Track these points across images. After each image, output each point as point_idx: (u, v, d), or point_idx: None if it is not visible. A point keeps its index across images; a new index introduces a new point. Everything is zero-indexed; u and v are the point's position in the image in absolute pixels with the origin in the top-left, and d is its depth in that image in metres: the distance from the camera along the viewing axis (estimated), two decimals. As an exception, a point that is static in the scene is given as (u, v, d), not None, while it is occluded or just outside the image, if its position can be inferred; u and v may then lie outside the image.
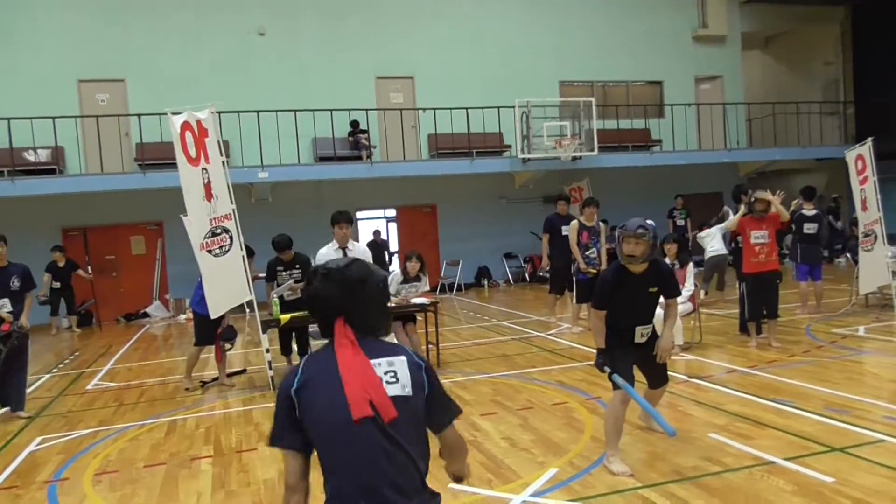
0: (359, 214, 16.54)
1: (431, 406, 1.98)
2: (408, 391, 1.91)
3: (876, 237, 9.04)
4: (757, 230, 7.69)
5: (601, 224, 9.80)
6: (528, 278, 17.05)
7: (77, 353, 10.76)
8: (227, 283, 6.68)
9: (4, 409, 6.65)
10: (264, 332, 7.15)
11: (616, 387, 4.46)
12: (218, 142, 6.60)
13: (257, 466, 4.85)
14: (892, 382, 6.13)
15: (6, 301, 6.43)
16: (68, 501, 4.47)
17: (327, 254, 6.48)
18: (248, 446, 5.33)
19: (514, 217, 17.27)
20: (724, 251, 10.97)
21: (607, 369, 4.45)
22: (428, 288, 8.31)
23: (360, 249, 6.43)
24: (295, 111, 14.25)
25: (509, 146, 16.39)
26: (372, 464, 1.84)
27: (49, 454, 5.52)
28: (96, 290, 13.83)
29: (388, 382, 1.89)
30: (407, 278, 7.95)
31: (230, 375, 7.84)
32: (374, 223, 17.26)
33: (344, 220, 6.61)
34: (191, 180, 6.62)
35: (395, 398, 1.88)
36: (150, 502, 4.36)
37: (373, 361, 1.91)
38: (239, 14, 15.57)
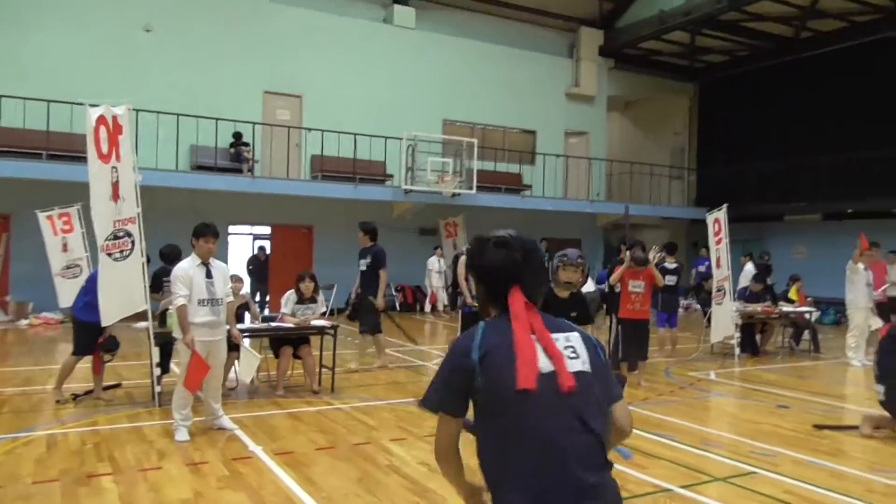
0: (231, 229, 16.00)
1: (606, 379, 1.96)
2: (587, 367, 1.90)
3: (725, 292, 10.18)
4: (635, 280, 8.42)
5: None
6: (398, 307, 17.24)
7: None
8: (124, 290, 6.29)
9: None
10: (156, 345, 6.79)
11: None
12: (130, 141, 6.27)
13: (167, 485, 4.63)
14: (748, 421, 6.93)
15: None
16: (-48, 520, 4.04)
17: (188, 269, 5.80)
18: (151, 465, 5.05)
19: (390, 246, 17.28)
20: (594, 290, 11.88)
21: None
22: (324, 309, 8.28)
23: (222, 268, 5.98)
24: (178, 115, 13.66)
25: (391, 175, 16.65)
26: (559, 438, 1.80)
27: None
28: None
29: (569, 358, 1.88)
30: (301, 299, 7.89)
31: (105, 389, 7.32)
32: (245, 239, 16.78)
33: (211, 234, 5.78)
34: (99, 177, 6.22)
35: (577, 374, 1.86)
36: (52, 521, 4.05)
37: (552, 336, 1.90)
38: (125, 5, 14.74)
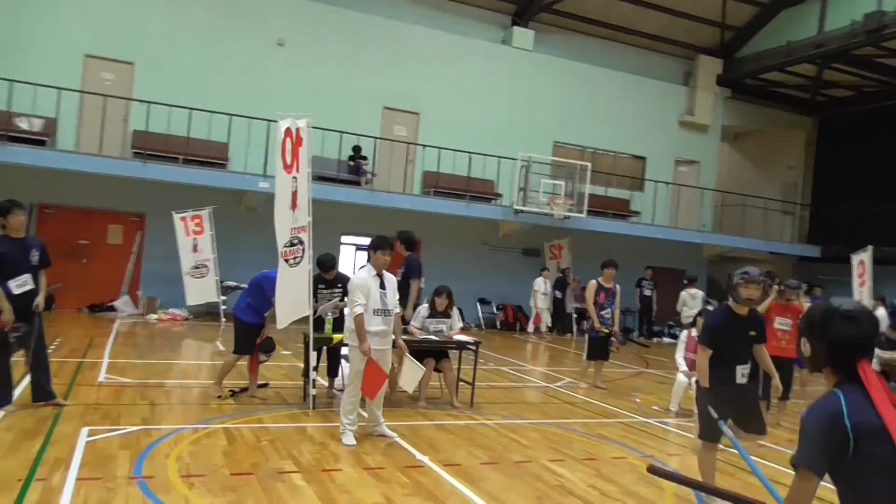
0: (343, 239, 16.44)
1: None
2: None
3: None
4: (782, 317, 8.20)
5: (617, 286, 10.12)
6: (498, 325, 17.29)
7: (58, 340, 10.16)
8: (295, 295, 6.58)
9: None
10: (315, 349, 7.04)
11: (704, 436, 4.83)
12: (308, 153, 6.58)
13: (356, 488, 4.79)
14: None
15: (28, 277, 6.10)
16: (172, 500, 4.29)
17: (366, 279, 6.05)
18: (330, 466, 5.24)
19: (493, 264, 17.60)
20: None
21: (715, 414, 4.76)
22: (461, 324, 8.39)
23: (393, 280, 6.20)
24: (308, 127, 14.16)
25: (501, 195, 16.78)
26: None
27: (109, 448, 5.26)
28: (63, 274, 13.15)
29: None
30: (433, 313, 8.00)
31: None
32: (351, 249, 17.19)
33: (389, 247, 6.10)
34: (283, 187, 6.55)
35: None
36: (263, 512, 4.25)
37: None
38: (260, 20, 15.51)
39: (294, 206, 6.56)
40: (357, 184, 15.41)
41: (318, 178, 15.39)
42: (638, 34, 18.76)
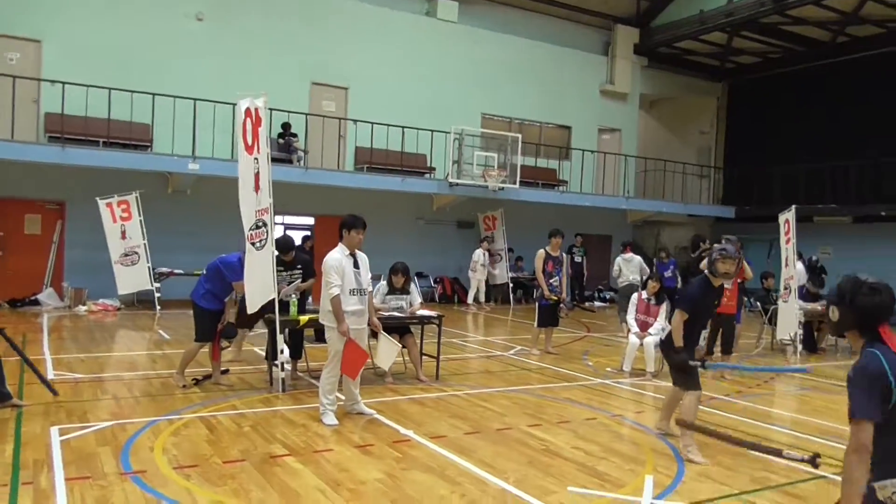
0: (276, 220, 16.07)
1: None
2: None
3: (791, 290, 10.47)
4: (722, 275, 8.68)
5: (563, 255, 10.42)
6: (437, 299, 17.44)
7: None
8: (263, 278, 6.46)
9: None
10: (281, 332, 6.95)
11: (691, 386, 5.37)
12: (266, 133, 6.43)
13: (353, 466, 4.83)
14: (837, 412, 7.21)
15: None
16: (174, 493, 4.21)
17: (340, 259, 6.04)
18: (321, 447, 5.25)
19: (428, 238, 17.69)
20: (635, 281, 12.32)
21: (694, 362, 5.41)
22: (421, 299, 8.46)
23: (365, 259, 6.24)
24: (233, 104, 13.70)
25: (434, 168, 16.83)
26: None
27: (87, 445, 5.08)
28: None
29: None
30: (392, 290, 8.07)
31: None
32: (279, 230, 16.87)
33: (361, 226, 6.02)
34: (245, 169, 6.38)
35: None
36: (269, 496, 4.23)
37: None
38: (178, -6, 14.80)
39: (257, 188, 6.41)
40: (289, 162, 15.09)
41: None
42: (558, 5, 19.04)
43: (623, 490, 4.56)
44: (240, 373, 7.88)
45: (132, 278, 13.17)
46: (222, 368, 7.69)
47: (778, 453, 3.80)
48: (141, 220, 13.14)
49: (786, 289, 10.48)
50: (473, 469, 4.85)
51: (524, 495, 4.38)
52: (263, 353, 8.38)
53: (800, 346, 10.72)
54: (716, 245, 5.61)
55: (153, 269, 13.27)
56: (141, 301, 13.81)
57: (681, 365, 5.40)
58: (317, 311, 7.08)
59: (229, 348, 8.03)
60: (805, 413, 7.16)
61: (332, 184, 15.33)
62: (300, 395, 6.94)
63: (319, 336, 7.76)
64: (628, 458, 5.29)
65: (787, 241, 10.45)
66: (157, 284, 13.37)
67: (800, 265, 13.47)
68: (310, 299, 8.54)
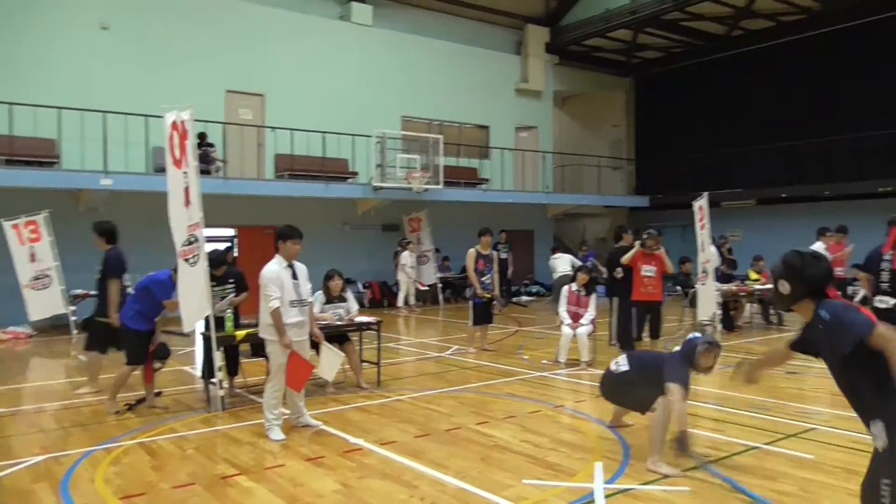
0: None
1: None
2: None
3: (708, 273, 10.99)
4: (647, 265, 9.05)
5: (494, 252, 10.59)
6: (367, 304, 17.35)
7: None
8: (198, 294, 6.28)
9: None
10: (218, 349, 6.77)
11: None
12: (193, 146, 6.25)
13: (308, 479, 4.78)
14: (774, 387, 7.61)
15: None
16: (125, 526, 4.07)
17: (278, 271, 5.99)
18: (272, 463, 5.16)
19: (355, 243, 17.59)
20: (569, 272, 12.69)
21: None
22: (358, 306, 8.42)
23: (304, 269, 6.20)
24: (146, 116, 13.25)
25: (356, 173, 16.74)
26: None
27: (20, 482, 4.82)
28: None
29: None
30: (330, 299, 8.02)
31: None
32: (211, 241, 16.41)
33: (298, 236, 6.00)
34: (174, 183, 6.17)
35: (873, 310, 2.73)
36: (225, 519, 4.15)
37: None
38: (76, 2, 14.12)
39: (187, 202, 6.23)
40: (207, 173, 14.66)
41: (161, 169, 14.55)
42: (470, 6, 19.29)
43: (575, 478, 4.70)
44: (174, 394, 7.63)
45: (44, 302, 12.49)
46: (156, 391, 7.44)
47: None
48: (51, 241, 12.48)
49: (703, 272, 10.98)
50: (429, 471, 4.88)
51: (482, 492, 4.46)
52: (198, 373, 8.13)
53: (719, 326, 11.27)
54: (697, 338, 5.36)
55: (67, 292, 12.64)
56: (56, 326, 13.13)
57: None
58: (252, 326, 7.00)
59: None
60: (729, 388, 7.53)
61: (253, 193, 15.03)
62: (241, 412, 6.79)
63: (256, 351, 7.61)
64: (576, 446, 5.45)
65: (702, 227, 10.95)
66: (73, 307, 12.74)
67: (713, 249, 14.20)
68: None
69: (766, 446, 5.35)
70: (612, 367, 5.46)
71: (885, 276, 6.73)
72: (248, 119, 15.91)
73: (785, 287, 2.81)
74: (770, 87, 18.82)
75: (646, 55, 21.54)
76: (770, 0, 17.00)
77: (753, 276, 13.19)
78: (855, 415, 2.86)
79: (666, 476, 4.69)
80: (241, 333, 6.93)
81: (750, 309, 13.15)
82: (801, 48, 18.21)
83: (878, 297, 6.76)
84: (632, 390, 5.28)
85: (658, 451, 4.87)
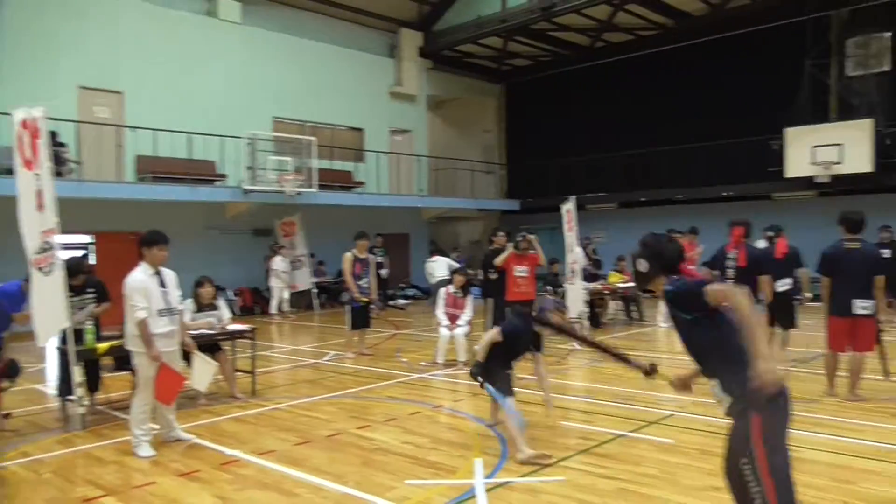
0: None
1: None
2: None
3: (575, 273, 11.54)
4: (520, 266, 9.37)
5: (370, 256, 10.57)
6: (238, 311, 16.75)
7: None
8: (52, 306, 5.82)
9: None
10: (77, 363, 6.30)
11: (510, 392, 5.55)
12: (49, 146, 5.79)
13: (183, 496, 4.57)
14: (635, 378, 8.10)
15: None
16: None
17: (144, 279, 5.70)
18: (141, 482, 4.88)
19: (224, 249, 16.94)
20: (447, 276, 12.92)
21: (480, 380, 5.62)
22: (230, 314, 8.14)
23: (172, 276, 5.95)
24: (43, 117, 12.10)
25: (225, 175, 16.15)
26: None
27: None
28: None
29: None
30: (200, 307, 7.72)
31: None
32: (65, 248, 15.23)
33: (164, 241, 5.74)
34: (25, 187, 5.66)
35: None
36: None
37: None
38: None
39: (40, 206, 5.76)
40: (58, 175, 13.61)
41: (7, 171, 13.36)
42: (343, 7, 19.11)
43: (457, 475, 4.80)
44: (26, 415, 7.03)
45: None
46: (4, 412, 6.83)
47: (626, 360, 4.41)
48: None
49: (571, 272, 11.51)
50: (310, 478, 4.81)
51: (365, 495, 4.45)
52: (52, 390, 7.55)
53: (587, 323, 11.86)
54: (543, 300, 6.06)
55: None
56: None
57: (473, 374, 5.67)
58: (114, 338, 6.59)
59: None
60: (598, 382, 7.97)
61: (112, 196, 14.10)
62: (104, 430, 6.37)
63: (120, 364, 7.16)
64: (456, 445, 5.56)
65: (570, 229, 11.47)
66: None
67: (579, 250, 14.91)
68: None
69: (631, 434, 5.69)
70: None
71: (730, 272, 7.35)
72: (105, 118, 14.93)
73: (643, 265, 3.10)
74: (630, 97, 20.02)
75: (516, 63, 22.26)
76: (629, 15, 18.06)
77: (614, 276, 13.91)
78: (710, 400, 3.11)
79: (537, 459, 4.98)
80: (102, 346, 6.50)
81: (614, 306, 13.91)
82: (658, 61, 19.51)
83: (726, 292, 7.34)
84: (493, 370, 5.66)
85: (520, 442, 5.16)
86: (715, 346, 2.92)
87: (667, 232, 12.61)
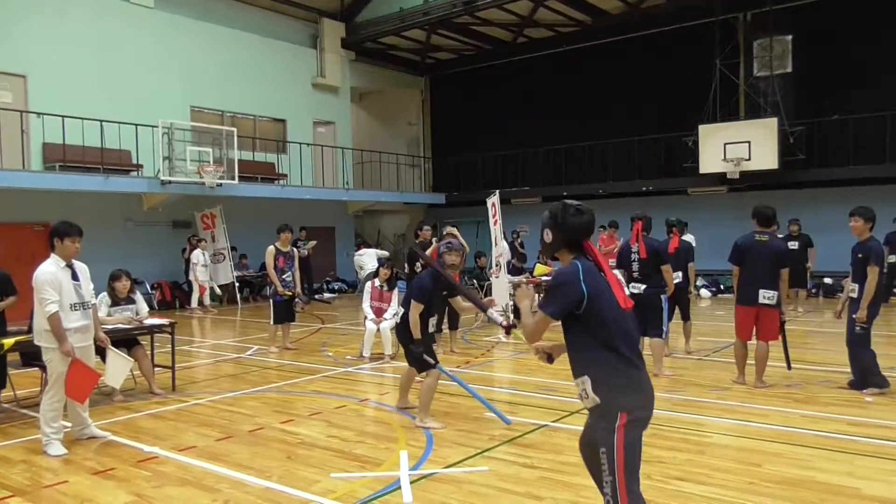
0: (-56, 230, 13.59)
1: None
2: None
3: (501, 267, 11.71)
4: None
5: (294, 249, 10.42)
6: (156, 305, 16.19)
7: None
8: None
9: None
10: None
11: (426, 368, 5.80)
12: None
13: (98, 494, 4.40)
14: (561, 369, 8.33)
15: None
16: None
17: (56, 272, 5.45)
18: (52, 481, 4.68)
19: (141, 241, 16.36)
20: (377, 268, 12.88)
21: (432, 360, 5.78)
22: (148, 308, 7.88)
23: (84, 269, 5.72)
24: None
25: (141, 166, 15.56)
26: (633, 332, 2.94)
27: None
28: None
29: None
30: (116, 300, 7.47)
31: None
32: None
33: (77, 233, 5.51)
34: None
35: (631, 296, 3.05)
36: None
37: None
38: None
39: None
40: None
41: None
42: (263, -6, 18.74)
43: (382, 468, 4.81)
44: (-80, 416, 6.61)
45: None
46: None
47: (484, 310, 5.24)
48: None
49: (497, 265, 11.68)
50: (232, 473, 4.73)
51: (289, 490, 4.41)
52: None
53: (511, 316, 12.04)
54: (442, 241, 6.13)
55: None
56: None
57: (417, 356, 5.79)
58: (21, 333, 6.30)
59: None
60: (522, 373, 8.14)
61: (15, 185, 13.33)
62: (10, 428, 6.08)
63: (28, 360, 6.84)
64: (381, 437, 5.57)
65: (495, 223, 11.63)
66: None
67: (505, 243, 15.13)
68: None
69: (553, 423, 5.85)
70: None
71: (635, 266, 7.60)
72: (7, 102, 14.09)
73: (548, 235, 2.96)
74: (552, 93, 20.43)
75: (439, 56, 22.32)
76: (549, 11, 18.40)
77: (539, 269, 14.21)
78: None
79: (434, 429, 5.48)
80: (8, 342, 6.19)
81: (539, 299, 14.19)
82: (578, 58, 19.98)
83: (632, 284, 7.60)
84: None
85: (424, 410, 5.66)
86: (581, 345, 2.90)
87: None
